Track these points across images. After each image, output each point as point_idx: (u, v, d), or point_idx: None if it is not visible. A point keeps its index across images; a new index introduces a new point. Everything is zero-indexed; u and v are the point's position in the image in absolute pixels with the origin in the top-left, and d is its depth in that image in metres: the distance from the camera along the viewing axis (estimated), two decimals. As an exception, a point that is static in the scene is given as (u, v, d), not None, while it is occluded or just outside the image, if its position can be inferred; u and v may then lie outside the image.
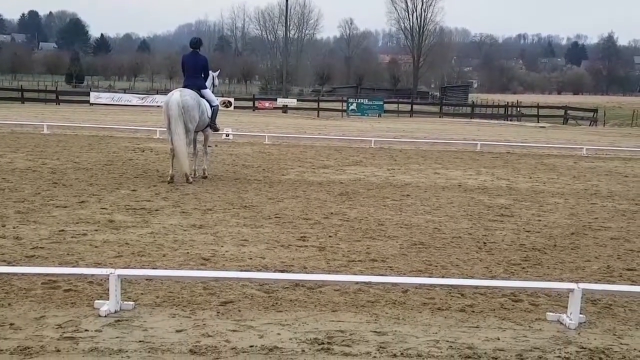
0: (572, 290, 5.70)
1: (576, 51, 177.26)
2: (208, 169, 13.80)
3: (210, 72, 13.88)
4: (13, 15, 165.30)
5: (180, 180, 12.64)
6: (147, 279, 6.31)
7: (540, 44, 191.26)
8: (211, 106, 13.37)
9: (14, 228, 8.38)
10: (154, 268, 6.82)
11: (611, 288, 6.33)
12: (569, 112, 58.85)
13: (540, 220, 10.42)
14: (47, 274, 6.19)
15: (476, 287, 6.35)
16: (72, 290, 6.05)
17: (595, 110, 58.23)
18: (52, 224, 8.72)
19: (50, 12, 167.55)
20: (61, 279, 6.25)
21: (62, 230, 8.34)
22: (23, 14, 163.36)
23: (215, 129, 13.97)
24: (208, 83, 13.70)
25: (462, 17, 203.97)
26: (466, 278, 6.89)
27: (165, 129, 13.00)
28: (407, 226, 9.58)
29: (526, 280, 6.87)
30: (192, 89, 12.90)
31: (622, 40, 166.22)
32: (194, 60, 13.31)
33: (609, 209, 11.78)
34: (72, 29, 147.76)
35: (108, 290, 5.57)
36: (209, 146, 14.26)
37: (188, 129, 12.60)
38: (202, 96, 13.11)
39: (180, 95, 12.51)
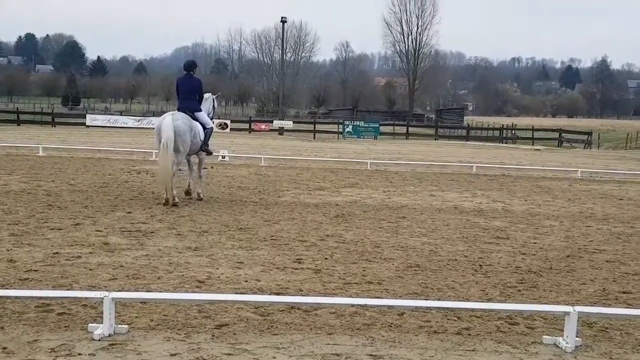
0: (568, 313, 5.68)
1: (570, 75, 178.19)
2: (203, 191, 13.84)
3: (210, 95, 14.04)
4: (10, 38, 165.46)
5: (178, 203, 12.61)
6: (141, 302, 6.27)
7: (535, 68, 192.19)
8: (205, 128, 13.35)
9: (7, 251, 8.33)
10: (148, 291, 6.78)
11: (607, 311, 6.32)
12: (563, 135, 59.13)
13: (535, 243, 10.42)
14: (41, 297, 6.15)
15: (472, 310, 6.33)
16: (66, 314, 6.00)
17: (589, 133, 58.50)
18: (47, 246, 8.68)
19: (47, 35, 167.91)
20: (55, 302, 6.21)
21: (57, 253, 8.30)
22: (20, 37, 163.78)
23: (208, 152, 13.89)
24: (207, 106, 13.79)
25: (457, 40, 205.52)
26: (462, 301, 6.87)
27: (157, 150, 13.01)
28: (403, 248, 9.57)
29: (522, 303, 6.84)
30: (185, 112, 12.94)
31: (616, 64, 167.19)
32: (187, 83, 13.35)
33: (604, 232, 11.79)
34: (68, 52, 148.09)
35: (102, 313, 5.53)
36: (204, 168, 14.33)
37: (179, 152, 12.59)
38: (196, 119, 13.13)
39: (172, 120, 12.50)
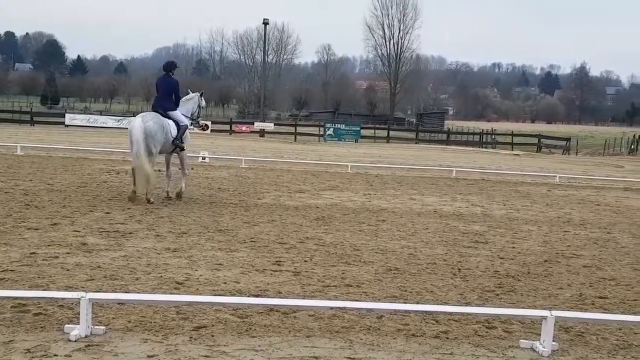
0: (545, 318, 5.72)
1: (549, 81, 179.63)
2: (184, 191, 13.86)
3: (195, 94, 14.34)
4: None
5: (153, 202, 12.64)
6: (119, 303, 6.23)
7: (515, 73, 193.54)
8: (179, 126, 13.52)
9: (-16, 250, 8.25)
10: (126, 292, 6.75)
11: (584, 316, 6.37)
12: (542, 140, 59.47)
13: (514, 247, 10.48)
14: (17, 297, 6.09)
15: (450, 313, 6.36)
16: (42, 314, 5.95)
17: (568, 139, 58.93)
18: (24, 246, 8.60)
19: (27, 33, 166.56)
20: (31, 302, 6.15)
21: (34, 253, 8.23)
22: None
23: (181, 148, 13.83)
24: (190, 105, 14.10)
25: (438, 45, 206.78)
26: (441, 304, 6.89)
27: (129, 151, 13.22)
28: (383, 251, 9.59)
29: (500, 307, 6.88)
30: (158, 111, 13.28)
31: (594, 71, 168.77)
32: (165, 83, 13.62)
33: (582, 237, 11.88)
34: (48, 50, 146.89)
35: (79, 314, 5.49)
36: (186, 167, 14.33)
37: (151, 152, 12.77)
38: (170, 117, 13.39)
39: (142, 121, 12.83)
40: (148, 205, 12.51)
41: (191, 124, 14.37)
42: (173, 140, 13.44)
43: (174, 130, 13.38)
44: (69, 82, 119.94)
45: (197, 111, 14.41)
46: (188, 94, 14.44)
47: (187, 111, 14.07)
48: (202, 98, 14.62)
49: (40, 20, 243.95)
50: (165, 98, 13.54)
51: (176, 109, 13.64)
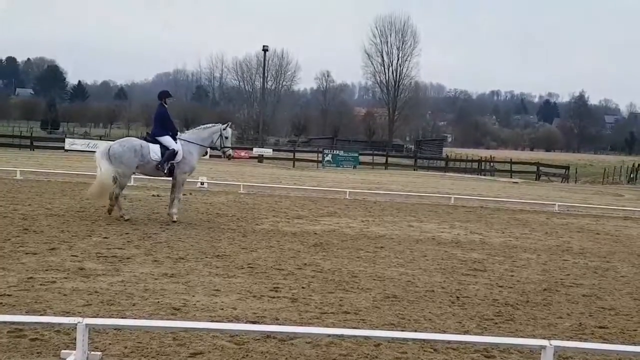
0: (544, 347, 5.68)
1: (548, 109, 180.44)
2: (180, 215, 14.20)
3: (215, 125, 15.00)
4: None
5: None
6: (115, 329, 6.19)
7: (513, 101, 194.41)
8: (166, 150, 14.17)
9: (-19, 274, 8.22)
10: (123, 317, 6.71)
11: (583, 346, 6.32)
12: (541, 168, 59.62)
13: (513, 276, 10.45)
14: (14, 322, 6.05)
15: (449, 342, 6.32)
16: (39, 340, 5.92)
17: (567, 168, 59.03)
18: (21, 270, 8.57)
19: (29, 59, 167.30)
20: (28, 327, 6.11)
21: (31, 278, 8.20)
22: (0, 60, 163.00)
23: (161, 170, 14.27)
24: (204, 134, 14.80)
25: (437, 72, 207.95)
26: (439, 332, 6.85)
27: None
28: (381, 278, 9.55)
29: (499, 336, 6.84)
30: (146, 138, 14.56)
31: (593, 100, 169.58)
32: (156, 111, 14.71)
33: (581, 266, 11.85)
34: (49, 76, 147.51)
35: (75, 339, 5.45)
36: (183, 194, 14.46)
37: (118, 171, 13.81)
38: (159, 142, 14.21)
39: (111, 144, 14.41)
40: (146, 230, 12.51)
41: (205, 153, 15.11)
42: (157, 165, 14.13)
43: (154, 154, 14.12)
44: (69, 107, 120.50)
45: (220, 141, 14.79)
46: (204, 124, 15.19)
47: (200, 139, 14.65)
48: (228, 129, 14.91)
49: (42, 45, 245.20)
50: (155, 125, 14.53)
51: (166, 135, 14.34)
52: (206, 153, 15.68)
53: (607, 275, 11.09)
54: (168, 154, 14.18)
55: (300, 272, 9.68)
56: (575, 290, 9.70)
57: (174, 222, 13.90)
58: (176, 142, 14.36)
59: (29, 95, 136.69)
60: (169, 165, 14.29)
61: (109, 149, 14.01)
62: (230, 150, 15.06)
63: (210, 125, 15.13)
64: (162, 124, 14.45)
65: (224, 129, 14.76)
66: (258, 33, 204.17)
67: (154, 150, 14.15)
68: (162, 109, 14.61)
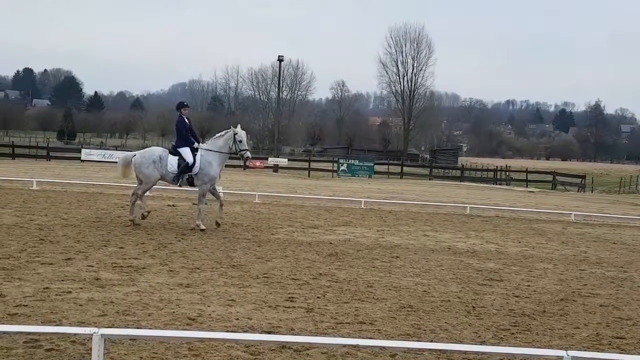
0: (561, 358, 5.64)
1: (564, 118, 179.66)
2: (204, 223, 14.44)
3: (228, 130, 14.89)
4: (8, 72, 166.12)
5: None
6: (131, 339, 6.20)
7: (529, 111, 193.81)
8: (183, 161, 14.43)
9: (-2, 284, 8.26)
10: (138, 327, 6.72)
11: (600, 356, 6.27)
12: (557, 177, 59.27)
13: (529, 286, 10.38)
14: (29, 333, 6.08)
15: (465, 352, 6.28)
16: (54, 350, 5.94)
17: (583, 177, 58.66)
18: (37, 281, 8.61)
19: (45, 70, 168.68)
20: (43, 337, 6.14)
21: (47, 288, 8.24)
22: (18, 71, 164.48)
23: (176, 182, 14.76)
24: (220, 142, 14.78)
25: (452, 82, 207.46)
26: (455, 343, 6.82)
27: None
28: (396, 288, 9.52)
29: (515, 347, 6.80)
30: (169, 148, 14.88)
31: (609, 109, 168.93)
32: (175, 122, 15.02)
33: (598, 276, 11.76)
34: (66, 87, 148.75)
35: (91, 350, 5.47)
36: (205, 203, 14.71)
37: (139, 180, 14.73)
38: (179, 154, 14.49)
39: (133, 154, 15.11)
40: (161, 239, 12.55)
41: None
42: (174, 176, 14.49)
43: (171, 166, 14.47)
44: (86, 118, 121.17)
45: (235, 146, 14.72)
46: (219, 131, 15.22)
47: (217, 147, 14.71)
48: (239, 131, 14.73)
49: (59, 57, 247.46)
50: (176, 136, 14.92)
51: (185, 146, 14.54)
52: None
53: (624, 285, 10.99)
54: (182, 167, 14.39)
55: (315, 282, 9.66)
56: (592, 300, 9.62)
57: (202, 231, 14.08)
58: (196, 153, 14.48)
59: (45, 106, 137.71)
60: (187, 177, 14.51)
61: (132, 158, 14.81)
62: (248, 152, 14.86)
63: (223, 132, 15.05)
64: (179, 134, 14.69)
65: (235, 133, 14.66)
66: (273, 43, 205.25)
67: (171, 162, 14.46)
68: (180, 120, 14.80)
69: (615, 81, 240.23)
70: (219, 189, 15.59)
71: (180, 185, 15.07)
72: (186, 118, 14.91)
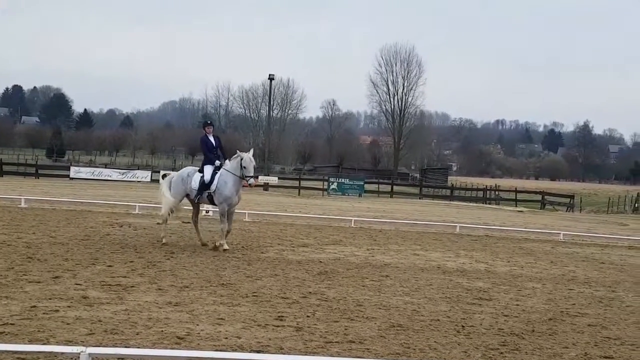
0: (550, 377, 5.64)
1: (553, 138, 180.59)
2: (222, 243, 14.51)
3: (240, 154, 14.67)
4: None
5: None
6: (119, 358, 6.16)
7: (518, 130, 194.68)
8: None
9: (-15, 302, 8.21)
10: (126, 347, 6.68)
11: (590, 375, 6.28)
12: (546, 197, 59.49)
13: (518, 305, 10.39)
14: (16, 352, 6.03)
15: (454, 372, 6.27)
16: (42, 368, 5.89)
17: (572, 197, 58.94)
18: (24, 299, 8.56)
19: (35, 87, 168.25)
20: (31, 356, 6.10)
21: (34, 306, 8.18)
22: (7, 88, 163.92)
23: (194, 199, 15.09)
24: (235, 164, 14.59)
25: (442, 101, 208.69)
26: (444, 362, 6.80)
27: None
28: (386, 307, 9.51)
29: (504, 366, 6.79)
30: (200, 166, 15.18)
31: (597, 129, 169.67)
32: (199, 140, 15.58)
33: (586, 295, 11.79)
34: (55, 104, 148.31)
35: (78, 368, 5.43)
36: (221, 221, 14.80)
37: (170, 194, 15.21)
38: (203, 171, 14.84)
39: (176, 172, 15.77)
40: (150, 258, 12.53)
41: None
42: (196, 192, 14.82)
43: (194, 183, 14.82)
44: (75, 135, 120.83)
45: (241, 171, 14.50)
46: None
47: (233, 169, 14.59)
48: (245, 157, 14.49)
49: (48, 74, 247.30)
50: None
51: (207, 164, 14.87)
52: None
53: (612, 305, 11.02)
54: (200, 184, 14.65)
55: (305, 300, 9.64)
56: (580, 319, 9.64)
57: (224, 251, 14.18)
58: (217, 171, 14.60)
59: (34, 123, 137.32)
60: (207, 194, 14.73)
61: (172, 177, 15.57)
62: (252, 180, 14.59)
63: (237, 154, 14.70)
64: (203, 153, 15.22)
65: (241, 158, 14.45)
66: (264, 62, 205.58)
67: (195, 179, 14.82)
68: (202, 138, 15.26)
69: (603, 102, 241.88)
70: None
71: (198, 202, 15.23)
72: (212, 136, 15.13)
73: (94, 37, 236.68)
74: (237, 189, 14.67)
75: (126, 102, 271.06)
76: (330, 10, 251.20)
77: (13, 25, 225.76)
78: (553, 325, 9.08)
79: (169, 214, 15.35)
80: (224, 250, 14.20)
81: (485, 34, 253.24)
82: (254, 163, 14.63)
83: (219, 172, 14.60)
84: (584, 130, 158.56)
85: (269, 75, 66.66)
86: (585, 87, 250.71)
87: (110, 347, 6.55)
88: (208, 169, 14.75)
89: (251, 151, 14.88)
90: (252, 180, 14.58)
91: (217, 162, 14.76)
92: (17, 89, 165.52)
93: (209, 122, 15.67)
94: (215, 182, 14.52)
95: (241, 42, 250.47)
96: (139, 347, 6.65)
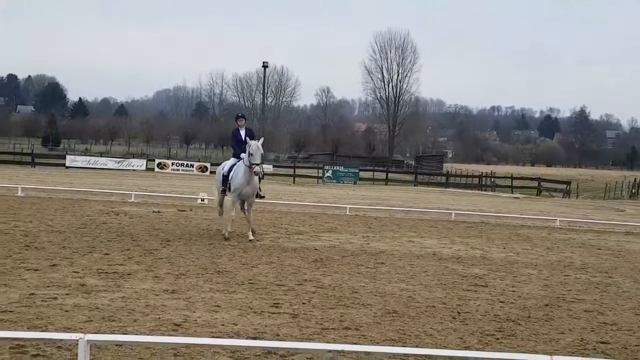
0: (545, 362, 5.68)
1: (549, 124, 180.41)
2: (253, 233, 14.66)
3: (248, 141, 14.46)
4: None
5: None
6: (117, 345, 6.20)
7: (514, 117, 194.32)
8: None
9: (-18, 291, 8.23)
10: (124, 333, 6.71)
11: (585, 360, 6.31)
12: (542, 183, 59.51)
13: (514, 291, 10.44)
14: (15, 338, 6.05)
15: (450, 357, 6.30)
16: (40, 356, 5.93)
17: (568, 183, 58.96)
18: (23, 287, 8.58)
19: (29, 76, 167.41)
20: (29, 343, 6.12)
21: (33, 294, 8.21)
22: (2, 77, 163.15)
23: (222, 191, 15.36)
24: (246, 153, 14.40)
25: (437, 88, 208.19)
26: (440, 348, 6.84)
27: None
28: (381, 294, 9.55)
29: (500, 352, 6.83)
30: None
31: (594, 115, 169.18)
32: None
33: (583, 281, 11.84)
34: (50, 93, 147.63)
35: (77, 355, 5.45)
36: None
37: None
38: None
39: None
40: (147, 246, 12.56)
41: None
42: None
43: (219, 177, 15.30)
44: (70, 124, 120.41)
45: (247, 158, 14.31)
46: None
47: (245, 159, 14.50)
48: (251, 143, 14.26)
49: (42, 63, 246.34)
50: None
51: (233, 158, 15.17)
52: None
53: (609, 291, 11.07)
54: (222, 176, 15.10)
55: (300, 287, 9.68)
56: (577, 305, 9.69)
57: (250, 240, 14.22)
58: (237, 164, 14.80)
59: (29, 112, 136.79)
60: (227, 185, 14.93)
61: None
62: (257, 167, 14.12)
63: (247, 143, 14.34)
64: (232, 146, 15.48)
65: (249, 145, 14.15)
66: (258, 50, 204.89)
67: (226, 171, 15.13)
68: (234, 131, 15.37)
69: (600, 87, 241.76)
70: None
71: (224, 193, 15.29)
72: (244, 128, 15.03)
73: (88, 26, 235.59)
74: (248, 179, 14.39)
75: (120, 91, 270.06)
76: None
77: (7, 14, 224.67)
78: (549, 311, 9.13)
79: (220, 207, 15.76)
80: (249, 240, 14.28)
81: (480, 19, 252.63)
82: (261, 151, 14.17)
83: (237, 164, 14.76)
84: (581, 116, 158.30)
85: (263, 63, 66.81)
86: (582, 72, 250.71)
87: (109, 334, 6.58)
88: (230, 162, 15.14)
89: (261, 140, 14.56)
90: (257, 169, 14.14)
91: (242, 155, 14.59)
92: (11, 77, 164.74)
93: (240, 114, 15.60)
94: (232, 173, 14.73)
95: (235, 30, 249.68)
96: (136, 334, 6.69)
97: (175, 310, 7.88)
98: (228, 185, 14.83)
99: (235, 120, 15.55)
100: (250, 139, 14.37)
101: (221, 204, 15.70)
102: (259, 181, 14.70)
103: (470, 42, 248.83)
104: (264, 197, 15.62)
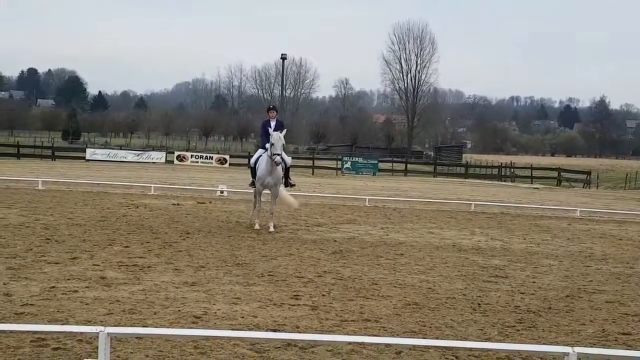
0: (567, 354, 5.64)
1: (569, 114, 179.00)
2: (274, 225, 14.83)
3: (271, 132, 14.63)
4: (12, 72, 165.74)
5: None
6: (137, 337, 6.22)
7: (533, 107, 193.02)
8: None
9: (4, 284, 8.30)
10: (144, 326, 6.74)
11: (607, 352, 6.26)
12: (562, 173, 59.06)
13: (534, 282, 10.38)
14: (36, 332, 6.10)
15: (470, 349, 6.28)
16: (61, 349, 5.96)
17: (588, 173, 58.44)
18: (43, 280, 8.64)
19: (49, 70, 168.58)
20: (50, 336, 6.16)
21: (53, 287, 8.26)
22: (22, 71, 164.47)
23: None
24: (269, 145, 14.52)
25: (455, 79, 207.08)
26: (460, 340, 6.82)
27: None
28: (401, 286, 9.53)
29: (521, 343, 6.80)
30: None
31: (614, 104, 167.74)
32: None
33: (604, 272, 11.74)
34: (70, 86, 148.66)
35: (97, 348, 5.48)
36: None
37: None
38: None
39: None
40: (166, 238, 12.61)
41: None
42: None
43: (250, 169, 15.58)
44: (90, 118, 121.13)
45: (269, 150, 14.44)
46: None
47: (268, 150, 14.57)
48: (273, 134, 14.46)
49: (63, 57, 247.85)
50: None
51: (261, 149, 15.27)
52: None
53: (630, 282, 10.98)
54: (250, 168, 15.48)
55: (320, 279, 9.67)
56: (598, 296, 9.61)
57: (270, 232, 14.34)
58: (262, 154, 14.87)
59: (50, 106, 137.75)
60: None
61: None
62: (277, 157, 14.35)
63: (271, 134, 14.58)
64: (260, 137, 15.44)
65: (271, 135, 14.42)
66: (277, 42, 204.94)
67: (252, 162, 15.33)
68: (263, 122, 15.28)
69: (620, 76, 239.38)
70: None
71: (253, 185, 15.44)
72: (275, 120, 15.04)
73: (108, 19, 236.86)
74: (270, 170, 14.56)
75: (140, 84, 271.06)
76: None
77: (26, 8, 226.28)
78: (570, 302, 9.07)
79: (255, 198, 15.63)
80: (270, 231, 14.40)
81: (499, 10, 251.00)
82: (283, 141, 14.40)
83: (262, 155, 14.87)
84: (601, 106, 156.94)
85: (282, 54, 66.88)
86: (602, 62, 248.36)
87: (129, 326, 6.61)
88: (257, 153, 15.24)
89: (284, 131, 14.66)
90: (277, 158, 14.32)
91: (267, 145, 14.61)
92: (32, 71, 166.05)
93: (271, 106, 15.68)
94: (257, 164, 14.92)
95: (254, 22, 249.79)
96: (156, 327, 6.71)
97: (195, 302, 7.90)
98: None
99: (267, 111, 15.55)
100: (280, 131, 14.54)
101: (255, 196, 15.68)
102: (282, 171, 14.83)
103: (490, 32, 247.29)
104: (294, 185, 16.01)
